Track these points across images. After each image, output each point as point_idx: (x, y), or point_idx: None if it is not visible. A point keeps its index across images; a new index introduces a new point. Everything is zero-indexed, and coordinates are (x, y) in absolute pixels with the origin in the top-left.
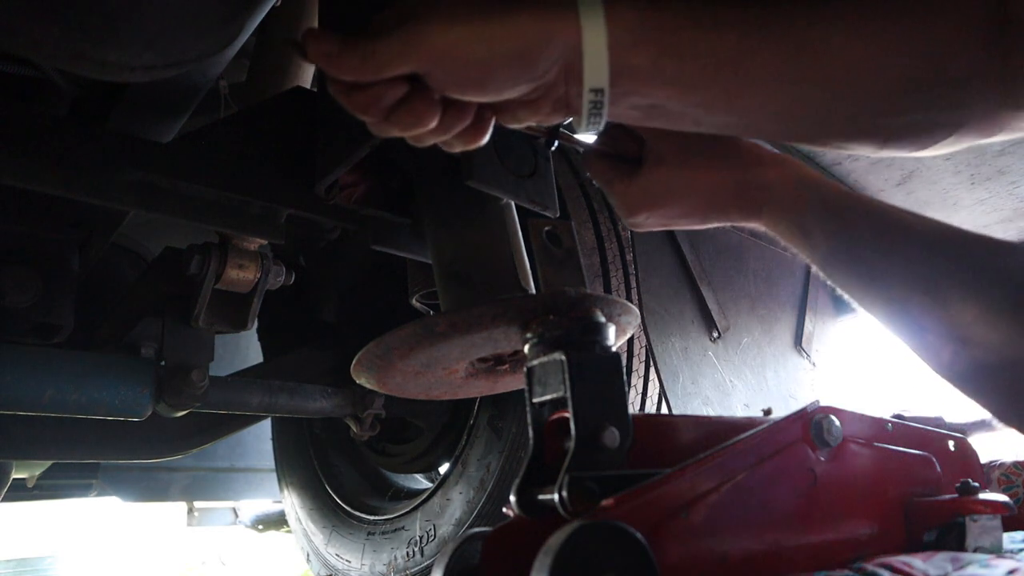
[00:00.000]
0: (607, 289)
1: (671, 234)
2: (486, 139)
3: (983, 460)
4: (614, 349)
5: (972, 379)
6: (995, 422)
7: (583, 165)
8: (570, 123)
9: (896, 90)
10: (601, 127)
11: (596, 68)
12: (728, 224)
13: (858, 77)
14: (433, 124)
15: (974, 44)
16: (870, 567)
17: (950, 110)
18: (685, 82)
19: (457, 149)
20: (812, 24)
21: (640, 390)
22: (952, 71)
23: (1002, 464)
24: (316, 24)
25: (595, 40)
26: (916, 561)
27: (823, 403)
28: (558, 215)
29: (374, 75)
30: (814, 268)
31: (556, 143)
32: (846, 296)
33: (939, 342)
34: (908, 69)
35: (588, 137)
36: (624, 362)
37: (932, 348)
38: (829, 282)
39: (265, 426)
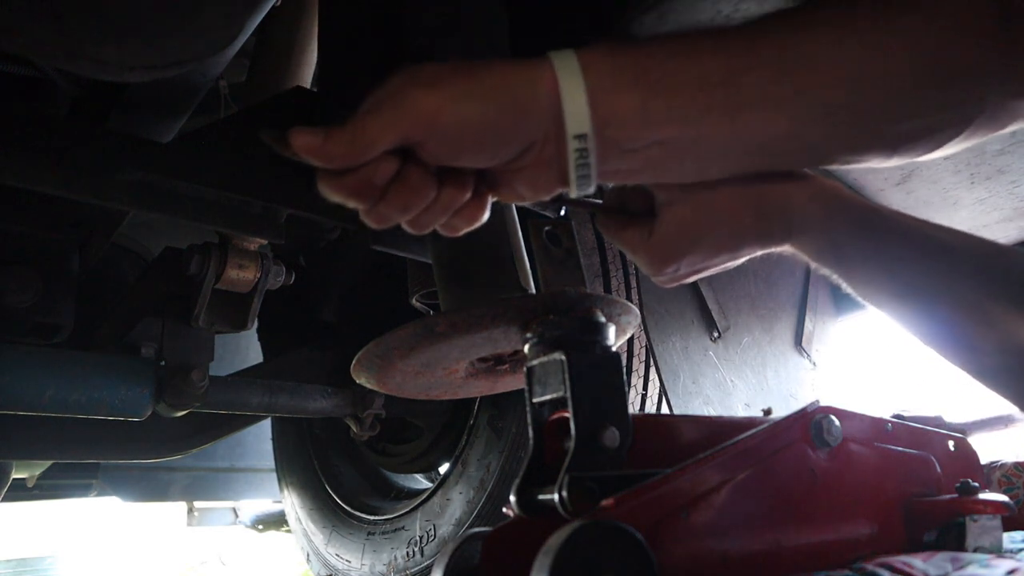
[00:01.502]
0: (607, 289)
1: None
2: (486, 216)
3: (983, 461)
4: (614, 349)
5: None
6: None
7: (601, 230)
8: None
9: (901, 94)
10: (591, 186)
11: (577, 115)
12: (759, 253)
13: (860, 85)
14: (430, 198)
15: (979, 38)
16: (870, 567)
17: (959, 107)
18: (678, 117)
19: (461, 231)
20: (804, 38)
21: (640, 390)
22: (958, 68)
23: (1003, 465)
24: (315, 24)
25: (573, 85)
26: (916, 561)
27: (823, 403)
28: (558, 215)
29: (364, 154)
30: (845, 286)
31: (564, 209)
32: (884, 313)
33: (990, 359)
34: (912, 71)
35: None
36: (624, 362)
37: (983, 366)
38: (865, 302)
39: (265, 426)
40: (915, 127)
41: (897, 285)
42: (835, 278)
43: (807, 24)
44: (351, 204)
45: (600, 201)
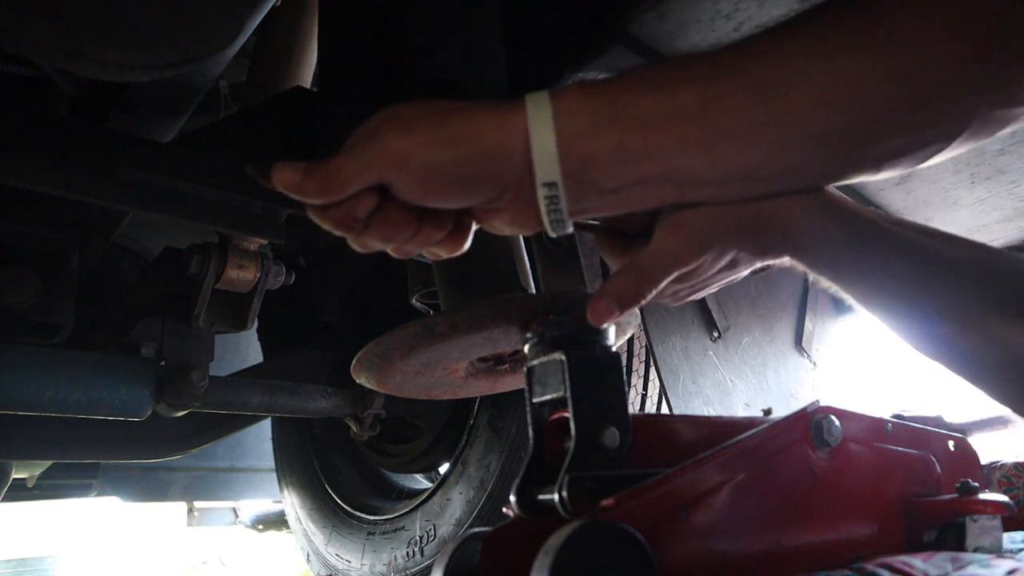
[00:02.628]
0: None
1: None
2: (468, 245)
3: (984, 461)
4: (614, 349)
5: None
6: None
7: (601, 254)
8: None
9: (881, 116)
10: (567, 227)
11: (546, 163)
12: (758, 266)
13: (837, 110)
14: (411, 231)
15: (964, 56)
16: (870, 567)
17: (944, 124)
18: (656, 153)
19: (444, 257)
20: (779, 62)
21: (640, 390)
22: (942, 87)
23: (1003, 465)
24: (315, 24)
25: (543, 132)
26: (916, 561)
27: (823, 403)
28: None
29: (340, 192)
30: (849, 300)
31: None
32: (884, 324)
33: (991, 371)
34: (891, 93)
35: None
36: (624, 362)
37: (984, 377)
38: (865, 311)
39: (265, 426)
40: (899, 145)
41: (895, 301)
42: (834, 290)
43: (782, 49)
44: (336, 233)
45: (597, 223)
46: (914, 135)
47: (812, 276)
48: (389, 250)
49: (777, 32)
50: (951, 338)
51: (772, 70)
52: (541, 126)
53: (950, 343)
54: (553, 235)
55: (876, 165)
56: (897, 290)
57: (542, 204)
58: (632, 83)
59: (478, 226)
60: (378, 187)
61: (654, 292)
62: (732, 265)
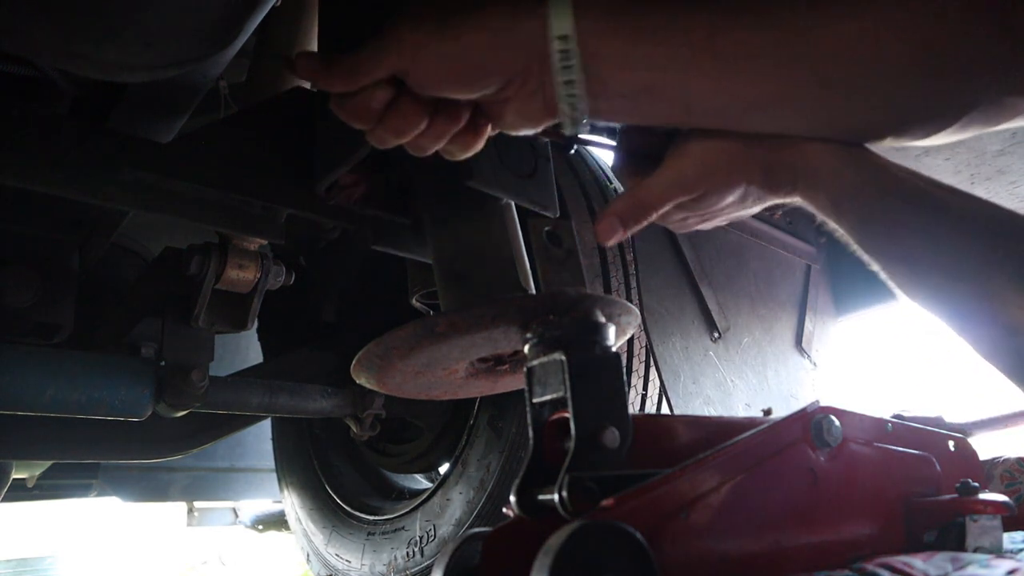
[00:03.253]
0: (607, 289)
1: (671, 234)
2: (481, 144)
3: (987, 456)
4: (614, 349)
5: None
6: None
7: (615, 176)
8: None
9: (896, 76)
10: (583, 120)
11: (565, 60)
12: (767, 203)
13: (856, 63)
14: (422, 125)
15: (981, 30)
16: (870, 567)
17: (954, 97)
18: (659, 66)
19: (458, 156)
20: (808, 5)
21: (640, 390)
22: (956, 59)
23: (1005, 460)
24: (315, 24)
25: (561, 27)
26: (916, 561)
27: (823, 403)
28: (558, 215)
29: (357, 82)
30: (853, 246)
31: (575, 147)
32: (884, 276)
33: (988, 331)
34: (908, 58)
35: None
36: (624, 362)
37: (981, 337)
38: (870, 263)
39: (265, 426)
40: (908, 111)
41: (899, 249)
42: (839, 234)
43: None
44: (354, 125)
45: (613, 143)
46: (924, 104)
47: (820, 218)
48: (407, 147)
49: None
50: (950, 295)
51: (796, 13)
52: (562, 21)
53: (949, 301)
54: (570, 130)
55: (881, 129)
56: (898, 238)
57: (560, 90)
58: None
59: (492, 129)
60: (394, 81)
61: (656, 215)
62: (741, 199)
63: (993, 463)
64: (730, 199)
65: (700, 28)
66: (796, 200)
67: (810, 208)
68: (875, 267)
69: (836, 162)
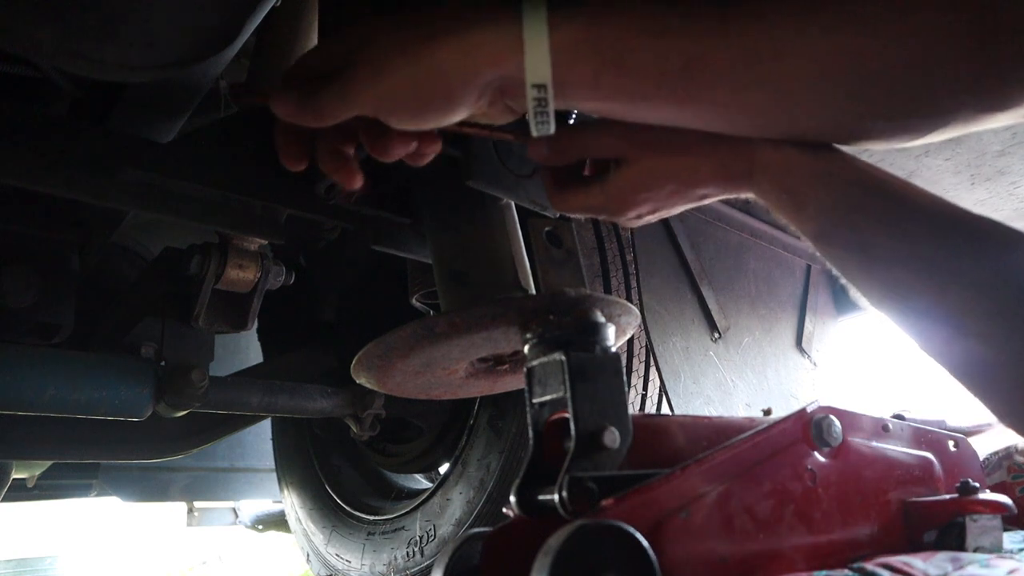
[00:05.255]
0: (607, 289)
1: (671, 234)
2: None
3: (995, 448)
4: (614, 349)
5: (975, 375)
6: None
7: (550, 195)
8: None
9: (868, 95)
10: (551, 128)
11: (539, 106)
12: (722, 196)
13: (832, 80)
14: (411, 148)
15: (955, 53)
16: (870, 567)
17: (929, 116)
18: (627, 94)
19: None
20: (776, 24)
21: (640, 390)
22: (931, 79)
23: (1011, 454)
24: (315, 24)
25: (538, 76)
26: (916, 561)
27: (823, 403)
28: (558, 215)
29: (326, 122)
30: (810, 246)
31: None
32: (842, 277)
33: (942, 333)
34: (878, 73)
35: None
36: (624, 362)
37: (934, 339)
38: (826, 262)
39: (265, 426)
40: (878, 126)
41: (858, 245)
42: (800, 232)
43: (786, 13)
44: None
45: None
46: (894, 120)
47: (775, 214)
48: (407, 161)
49: None
50: (906, 292)
51: (768, 32)
52: (539, 59)
53: (907, 300)
54: (539, 133)
55: (853, 137)
56: (859, 232)
57: (530, 116)
58: (627, 18)
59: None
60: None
61: (624, 218)
62: (694, 196)
63: (1005, 454)
64: (691, 196)
65: (675, 57)
66: (750, 195)
67: (764, 202)
68: (831, 263)
69: (793, 152)
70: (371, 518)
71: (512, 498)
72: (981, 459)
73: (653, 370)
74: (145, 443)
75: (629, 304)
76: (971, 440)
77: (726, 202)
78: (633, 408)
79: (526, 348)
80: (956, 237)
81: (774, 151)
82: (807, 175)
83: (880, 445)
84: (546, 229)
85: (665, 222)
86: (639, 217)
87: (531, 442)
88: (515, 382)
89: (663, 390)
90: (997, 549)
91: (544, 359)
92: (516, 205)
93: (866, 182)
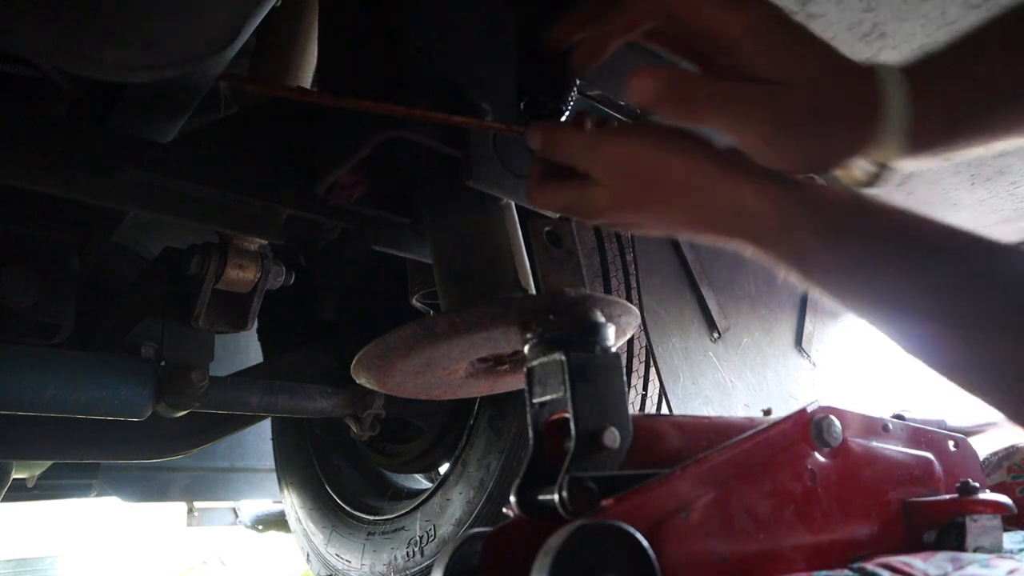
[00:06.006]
0: (607, 289)
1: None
2: None
3: (995, 448)
4: (614, 349)
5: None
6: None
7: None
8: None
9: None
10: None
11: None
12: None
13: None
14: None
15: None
16: (870, 567)
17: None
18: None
19: None
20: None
21: (640, 390)
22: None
23: (1011, 454)
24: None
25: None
26: (916, 561)
27: (823, 403)
28: (558, 215)
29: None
30: (814, 294)
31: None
32: (860, 316)
33: (988, 383)
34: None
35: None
36: (624, 362)
37: (982, 386)
38: (837, 303)
39: (265, 426)
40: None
41: (872, 293)
42: (802, 282)
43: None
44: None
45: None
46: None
47: (771, 262)
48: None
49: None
50: (934, 340)
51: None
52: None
53: (936, 347)
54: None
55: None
56: (871, 280)
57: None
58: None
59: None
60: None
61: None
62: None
63: (1005, 454)
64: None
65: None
66: (736, 245)
67: (755, 250)
68: (843, 306)
69: (785, 196)
70: (371, 518)
71: (512, 498)
72: (981, 459)
73: (653, 370)
74: (145, 443)
75: (629, 304)
76: (971, 440)
77: None
78: (633, 408)
79: (526, 348)
80: (983, 278)
81: (764, 203)
82: (806, 219)
83: (880, 445)
84: (546, 229)
85: None
86: (610, 225)
87: (531, 442)
88: (515, 382)
89: (662, 390)
90: (997, 549)
91: (544, 359)
92: (516, 205)
93: (872, 222)
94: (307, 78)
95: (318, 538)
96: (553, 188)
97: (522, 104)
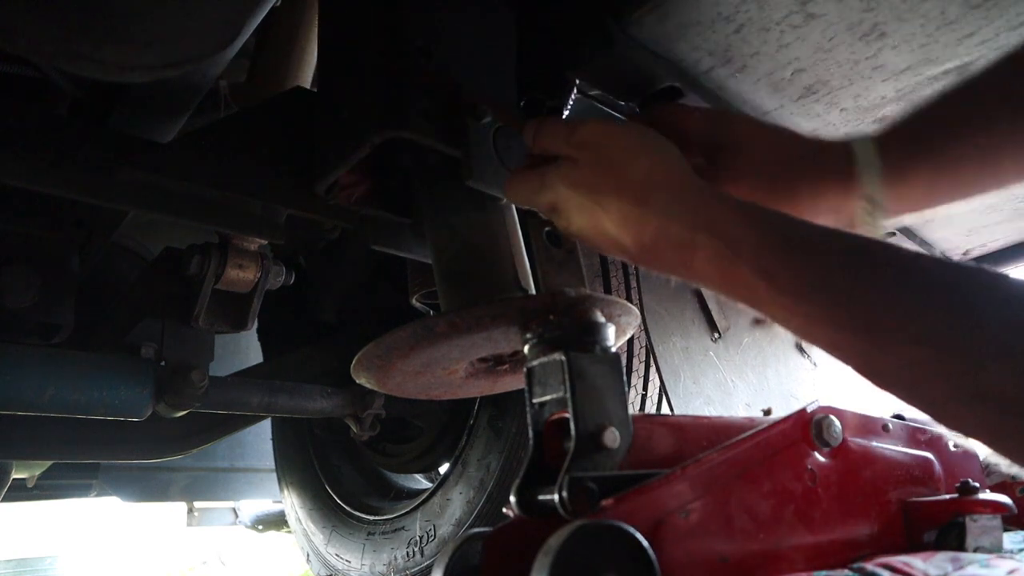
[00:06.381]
0: (607, 289)
1: None
2: None
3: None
4: (614, 349)
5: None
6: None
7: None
8: None
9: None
10: None
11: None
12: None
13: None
14: None
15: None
16: (870, 567)
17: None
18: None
19: None
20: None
21: (640, 390)
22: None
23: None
24: (315, 24)
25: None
26: (916, 561)
27: (823, 403)
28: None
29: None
30: (782, 331)
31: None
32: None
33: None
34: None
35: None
36: (624, 362)
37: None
38: (808, 343)
39: (265, 426)
40: None
41: (859, 326)
42: (769, 315)
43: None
44: None
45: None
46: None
47: (725, 296)
48: None
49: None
50: (922, 372)
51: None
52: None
53: (924, 384)
54: None
55: None
56: (860, 311)
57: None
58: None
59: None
60: None
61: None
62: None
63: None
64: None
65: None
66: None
67: (708, 287)
68: (817, 344)
69: (742, 219)
70: (371, 518)
71: (512, 498)
72: (981, 459)
73: (653, 370)
74: (145, 443)
75: (629, 304)
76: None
77: None
78: (633, 408)
79: (526, 348)
80: (972, 303)
81: (721, 218)
82: (769, 245)
83: (880, 445)
84: (546, 229)
85: None
86: (568, 233)
87: (531, 442)
88: (515, 382)
89: (663, 390)
90: (997, 549)
91: (544, 359)
92: (516, 205)
93: (841, 244)
94: (307, 78)
95: (318, 538)
96: (523, 172)
97: (522, 104)
